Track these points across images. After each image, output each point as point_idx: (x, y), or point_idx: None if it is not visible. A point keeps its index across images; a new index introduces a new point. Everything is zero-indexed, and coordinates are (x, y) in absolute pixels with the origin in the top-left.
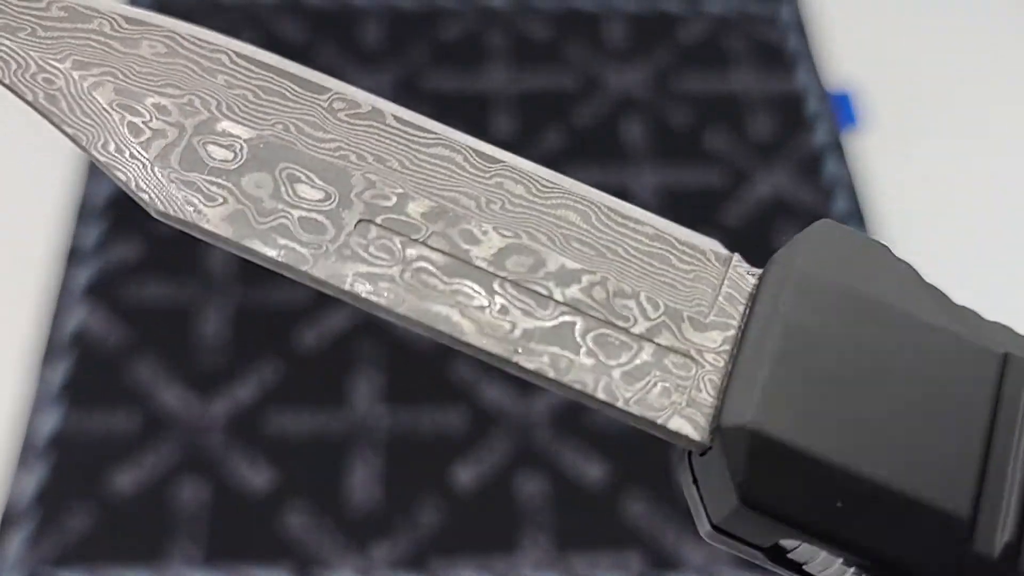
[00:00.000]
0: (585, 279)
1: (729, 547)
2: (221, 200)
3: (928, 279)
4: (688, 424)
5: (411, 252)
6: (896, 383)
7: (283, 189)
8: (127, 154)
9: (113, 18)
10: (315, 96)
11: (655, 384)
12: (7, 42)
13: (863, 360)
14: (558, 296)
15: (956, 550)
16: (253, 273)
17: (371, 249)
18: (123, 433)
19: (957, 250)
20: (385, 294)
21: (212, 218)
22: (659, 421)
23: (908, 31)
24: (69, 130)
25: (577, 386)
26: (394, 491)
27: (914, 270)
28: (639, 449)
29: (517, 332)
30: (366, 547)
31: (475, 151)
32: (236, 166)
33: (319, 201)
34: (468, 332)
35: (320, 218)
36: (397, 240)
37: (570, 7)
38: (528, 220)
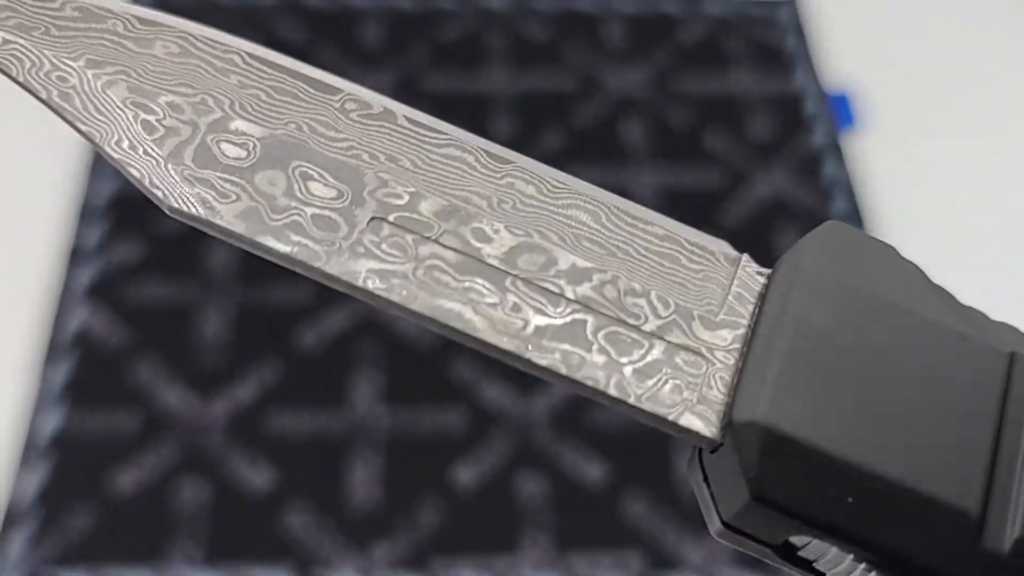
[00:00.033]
0: (596, 277)
1: (739, 545)
2: (234, 197)
3: None
4: (699, 420)
5: (423, 250)
6: (905, 381)
7: (296, 187)
8: (140, 151)
9: (126, 18)
10: (327, 97)
11: (666, 381)
12: (21, 40)
13: (872, 358)
14: (569, 294)
15: (966, 546)
16: (254, 273)
17: (384, 246)
18: (124, 433)
19: (956, 250)
20: (398, 291)
21: (225, 215)
22: (670, 418)
23: (907, 31)
24: (83, 127)
25: (589, 383)
26: (394, 491)
27: (921, 271)
28: (639, 449)
29: (529, 329)
30: (366, 547)
31: (486, 152)
32: (249, 164)
33: (332, 199)
34: (480, 329)
35: (333, 215)
36: (409, 238)
37: (569, 8)
38: (539, 219)
